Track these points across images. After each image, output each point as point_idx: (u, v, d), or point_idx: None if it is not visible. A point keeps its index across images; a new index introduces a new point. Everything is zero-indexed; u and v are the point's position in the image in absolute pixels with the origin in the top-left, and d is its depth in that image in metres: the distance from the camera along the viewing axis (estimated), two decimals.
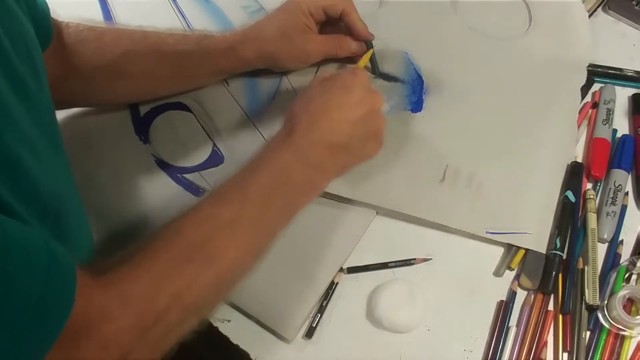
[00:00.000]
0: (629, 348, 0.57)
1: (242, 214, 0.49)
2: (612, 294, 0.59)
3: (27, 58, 0.45)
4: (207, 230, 0.48)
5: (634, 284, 0.60)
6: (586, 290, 0.60)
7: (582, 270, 0.61)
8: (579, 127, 0.71)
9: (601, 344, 0.58)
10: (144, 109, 0.72)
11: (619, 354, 0.57)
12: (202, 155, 0.69)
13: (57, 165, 0.47)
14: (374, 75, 0.73)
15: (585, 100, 0.74)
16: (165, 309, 0.42)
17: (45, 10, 0.57)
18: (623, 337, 0.58)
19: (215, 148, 0.70)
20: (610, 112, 0.71)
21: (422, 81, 0.74)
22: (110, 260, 0.44)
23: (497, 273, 0.62)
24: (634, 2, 0.81)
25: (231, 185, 0.52)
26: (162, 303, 0.42)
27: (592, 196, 0.65)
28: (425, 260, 0.63)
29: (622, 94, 0.74)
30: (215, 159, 0.69)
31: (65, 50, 0.62)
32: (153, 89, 0.70)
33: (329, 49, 0.71)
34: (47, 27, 0.57)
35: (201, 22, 0.80)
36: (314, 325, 0.59)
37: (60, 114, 0.70)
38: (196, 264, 0.45)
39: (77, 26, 0.63)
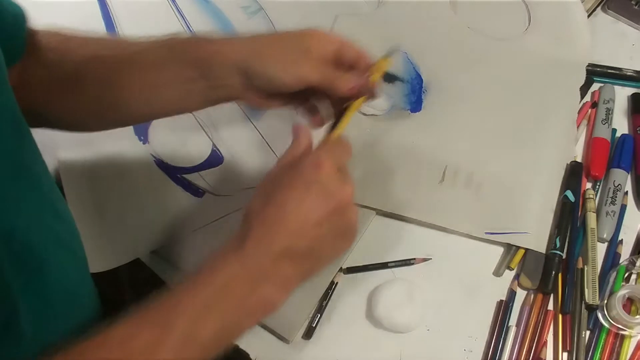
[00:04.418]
0: (629, 347, 0.57)
1: (165, 337, 0.40)
2: (611, 293, 0.59)
3: None
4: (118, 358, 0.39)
5: (633, 283, 0.60)
6: (586, 290, 0.60)
7: (582, 269, 0.61)
8: (578, 126, 0.71)
9: (601, 344, 0.58)
10: None
11: (618, 354, 0.57)
12: (201, 155, 0.69)
13: (17, 193, 0.41)
14: None
15: (584, 100, 0.73)
16: None
17: (19, 22, 0.49)
18: (623, 337, 0.58)
19: (214, 148, 0.70)
20: (609, 112, 0.71)
21: (422, 81, 0.73)
22: None
23: (497, 273, 0.62)
24: (633, 2, 0.81)
25: (161, 300, 0.42)
26: None
27: (591, 196, 0.65)
28: (425, 260, 0.63)
29: (622, 94, 0.74)
30: (215, 159, 0.69)
31: (33, 61, 0.53)
32: (116, 100, 0.56)
33: (325, 76, 0.54)
34: (18, 40, 0.50)
35: (201, 22, 0.80)
36: (314, 326, 0.59)
37: None
38: None
39: (46, 32, 0.54)
